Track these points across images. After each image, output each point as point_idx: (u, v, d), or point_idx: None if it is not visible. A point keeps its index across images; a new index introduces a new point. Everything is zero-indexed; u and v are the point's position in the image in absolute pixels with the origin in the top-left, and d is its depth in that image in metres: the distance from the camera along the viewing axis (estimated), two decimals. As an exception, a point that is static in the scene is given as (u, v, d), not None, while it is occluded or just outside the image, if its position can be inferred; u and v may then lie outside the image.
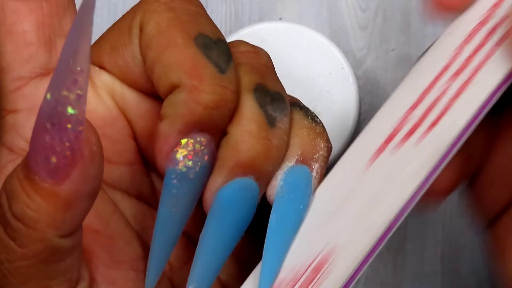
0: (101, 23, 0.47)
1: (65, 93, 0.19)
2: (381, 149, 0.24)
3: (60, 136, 0.20)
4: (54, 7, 0.25)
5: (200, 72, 0.22)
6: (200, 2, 0.25)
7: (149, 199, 0.26)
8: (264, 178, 0.24)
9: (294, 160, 0.24)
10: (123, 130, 0.25)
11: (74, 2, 0.25)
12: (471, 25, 0.25)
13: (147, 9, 0.24)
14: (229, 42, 0.24)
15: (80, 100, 0.19)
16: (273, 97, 0.24)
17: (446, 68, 0.25)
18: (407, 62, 0.46)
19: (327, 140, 0.25)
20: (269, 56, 0.25)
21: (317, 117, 0.25)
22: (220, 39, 0.23)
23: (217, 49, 0.23)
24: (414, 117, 0.24)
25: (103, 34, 0.25)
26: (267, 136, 0.23)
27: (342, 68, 0.38)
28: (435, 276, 0.44)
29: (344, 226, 0.23)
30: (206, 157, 0.23)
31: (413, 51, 0.46)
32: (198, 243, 0.23)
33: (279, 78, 0.26)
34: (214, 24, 0.24)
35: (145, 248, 0.26)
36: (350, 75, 0.38)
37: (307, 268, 0.23)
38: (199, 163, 0.23)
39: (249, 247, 0.27)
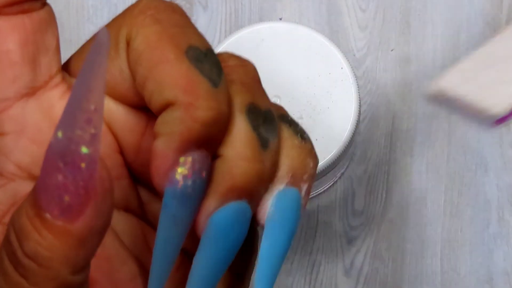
0: (101, 23, 0.47)
1: (78, 132, 0.19)
2: None
3: (73, 175, 0.19)
4: (37, 23, 0.24)
5: (195, 88, 0.22)
6: (184, 12, 0.24)
7: (136, 211, 0.26)
8: (256, 200, 0.24)
9: (285, 182, 0.24)
10: (111, 146, 0.25)
11: (55, 17, 0.25)
12: None
13: (133, 23, 0.23)
14: (217, 54, 0.24)
15: (95, 139, 0.19)
16: (265, 117, 0.23)
17: None
18: (407, 62, 0.46)
19: (315, 157, 0.25)
20: (255, 67, 0.25)
21: (305, 132, 0.25)
22: (210, 50, 0.23)
23: (208, 62, 0.23)
24: None
25: (85, 45, 0.25)
26: (260, 159, 0.23)
27: (342, 68, 0.38)
28: (435, 276, 0.44)
29: None
30: (203, 174, 0.22)
31: (412, 51, 0.46)
32: (192, 267, 0.23)
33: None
34: (201, 34, 0.23)
35: (139, 264, 0.25)
36: (350, 75, 0.38)
37: None
38: (197, 181, 0.22)
39: (238, 254, 0.27)
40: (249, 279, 0.27)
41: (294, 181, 0.24)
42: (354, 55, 0.46)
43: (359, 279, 0.44)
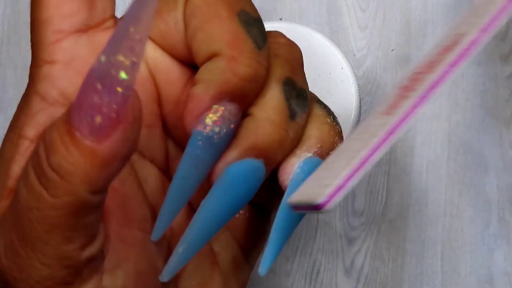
0: (101, 23, 0.47)
1: (121, 58, 0.20)
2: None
3: (109, 98, 0.20)
4: None
5: (240, 44, 0.24)
6: None
7: (161, 164, 0.27)
8: (272, 164, 0.25)
9: (313, 151, 0.26)
10: (150, 94, 0.26)
11: None
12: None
13: None
14: (268, 32, 0.26)
15: (134, 67, 0.20)
16: (298, 93, 0.25)
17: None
18: (407, 62, 0.46)
19: (342, 140, 0.27)
20: (301, 52, 0.27)
21: (336, 118, 0.27)
22: (259, 19, 0.25)
23: (256, 27, 0.24)
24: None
25: None
26: (285, 128, 0.25)
27: (342, 68, 0.38)
28: (435, 276, 0.44)
29: None
30: (232, 126, 0.24)
31: (412, 51, 0.46)
32: (198, 209, 0.24)
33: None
34: (254, 5, 0.25)
35: (152, 211, 0.27)
36: (350, 75, 0.38)
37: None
38: (224, 130, 0.24)
39: (248, 229, 0.28)
40: (255, 259, 0.28)
41: (321, 152, 0.26)
42: (354, 55, 0.46)
43: (359, 279, 0.44)
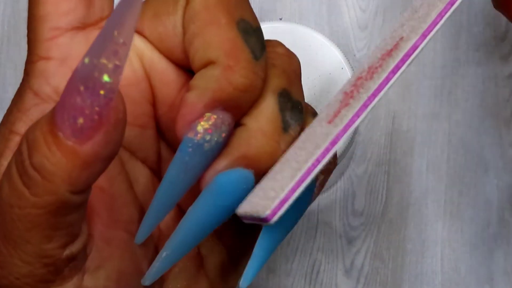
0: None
1: (104, 61, 0.20)
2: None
3: (91, 100, 0.21)
4: None
5: (237, 54, 0.24)
6: None
7: (153, 166, 0.27)
8: (262, 175, 0.25)
9: None
10: (144, 94, 0.26)
11: None
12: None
13: None
14: (267, 40, 0.25)
15: (117, 70, 0.21)
16: (293, 105, 0.25)
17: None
18: (407, 62, 0.46)
19: (335, 156, 0.26)
20: (299, 63, 0.27)
21: None
22: (258, 28, 0.25)
23: (255, 36, 0.24)
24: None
25: (146, 0, 0.27)
26: (278, 140, 0.25)
27: (342, 68, 0.38)
28: (435, 276, 0.44)
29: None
30: (223, 135, 0.24)
31: (413, 51, 0.46)
32: (185, 215, 0.24)
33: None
34: (255, 13, 0.25)
35: (140, 212, 0.27)
36: (350, 75, 0.38)
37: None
38: (215, 139, 0.24)
39: (238, 235, 0.28)
40: (244, 266, 0.28)
41: None
42: (355, 55, 0.46)
43: (359, 279, 0.44)
